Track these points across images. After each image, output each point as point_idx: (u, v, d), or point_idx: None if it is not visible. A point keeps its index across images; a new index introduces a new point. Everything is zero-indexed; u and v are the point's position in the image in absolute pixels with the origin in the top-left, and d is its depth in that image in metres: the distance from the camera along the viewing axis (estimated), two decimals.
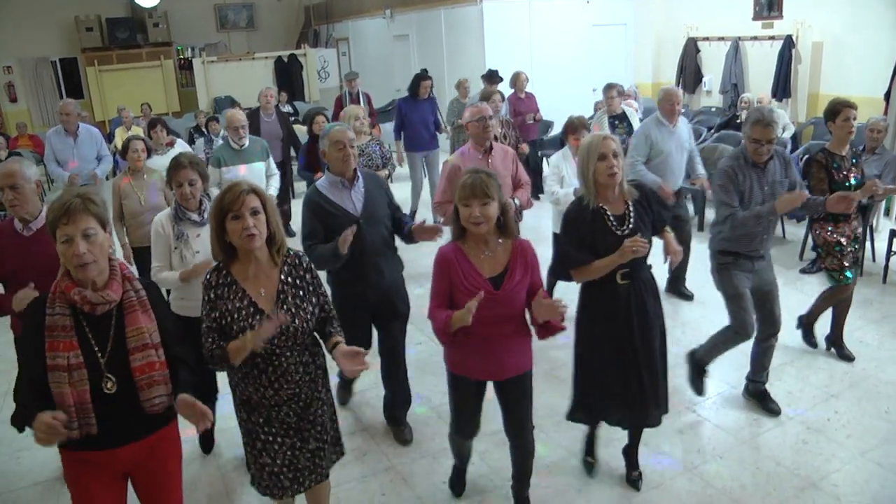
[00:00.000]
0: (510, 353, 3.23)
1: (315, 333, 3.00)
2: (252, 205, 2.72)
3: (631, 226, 3.43)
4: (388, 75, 15.05)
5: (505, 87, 9.23)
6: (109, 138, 13.42)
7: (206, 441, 4.36)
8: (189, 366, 2.68)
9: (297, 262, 2.92)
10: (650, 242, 3.41)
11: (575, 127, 5.45)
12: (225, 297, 2.78)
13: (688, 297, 6.31)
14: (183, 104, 17.26)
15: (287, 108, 13.45)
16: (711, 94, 12.05)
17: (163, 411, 2.55)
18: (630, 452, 3.89)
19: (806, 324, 5.28)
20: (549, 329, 3.13)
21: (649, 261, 3.53)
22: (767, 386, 4.55)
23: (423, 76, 8.75)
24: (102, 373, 2.44)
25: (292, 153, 9.14)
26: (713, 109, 11.59)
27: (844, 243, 4.74)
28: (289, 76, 15.88)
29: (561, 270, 3.58)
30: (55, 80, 18.10)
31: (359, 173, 4.04)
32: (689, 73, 12.23)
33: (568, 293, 3.79)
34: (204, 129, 11.34)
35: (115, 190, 5.55)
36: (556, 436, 4.26)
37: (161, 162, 6.08)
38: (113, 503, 2.67)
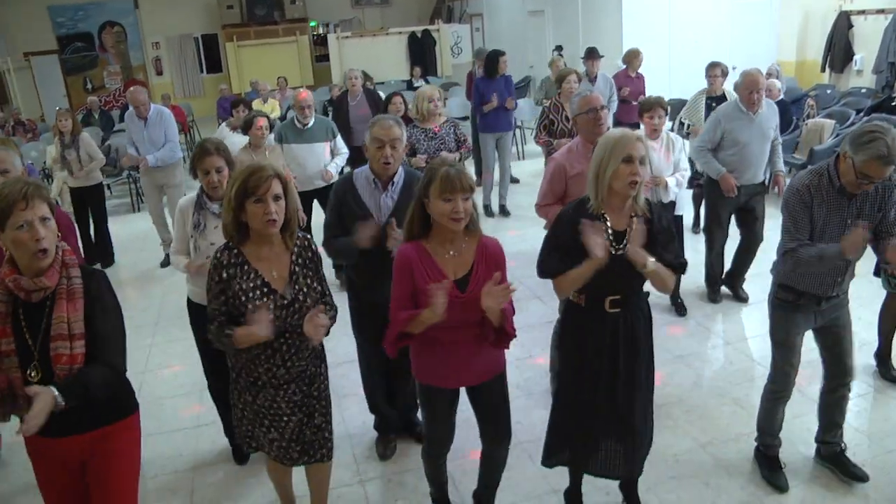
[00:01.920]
0: (480, 356, 2.96)
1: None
2: (276, 191, 2.72)
3: (623, 248, 2.88)
4: (521, 52, 14.93)
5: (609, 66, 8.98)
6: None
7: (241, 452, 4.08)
8: (109, 368, 2.51)
9: (305, 244, 2.94)
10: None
11: (650, 106, 4.99)
12: (237, 276, 2.79)
13: (742, 299, 5.74)
14: (317, 78, 17.78)
15: (420, 83, 13.62)
16: (863, 74, 11.34)
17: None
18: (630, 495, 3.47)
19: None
20: (503, 336, 2.87)
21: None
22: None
23: (500, 52, 8.38)
24: (32, 360, 2.41)
25: None
26: (863, 91, 10.88)
27: None
28: (422, 52, 16.08)
29: (541, 276, 3.07)
30: (197, 55, 19.05)
31: (399, 175, 3.64)
32: (839, 49, 11.52)
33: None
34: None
35: (237, 165, 5.67)
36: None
37: (239, 139, 6.43)
38: (69, 494, 2.66)
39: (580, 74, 7.28)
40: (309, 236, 2.98)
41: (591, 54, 8.87)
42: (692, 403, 4.30)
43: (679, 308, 5.58)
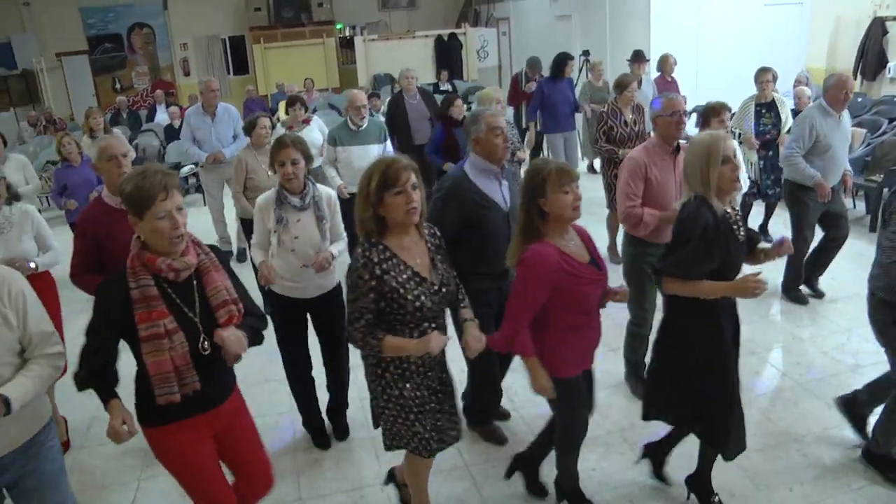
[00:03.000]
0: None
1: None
2: (413, 180, 2.80)
3: (743, 231, 3.12)
4: (548, 56, 14.78)
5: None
6: (272, 111, 14.05)
7: (340, 427, 4.26)
8: (257, 317, 2.82)
9: (432, 230, 3.06)
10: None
11: (717, 110, 5.03)
12: (391, 271, 2.82)
13: (821, 294, 5.80)
14: (343, 81, 17.85)
15: (447, 87, 13.62)
16: None
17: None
18: (707, 477, 3.47)
19: None
20: None
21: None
22: None
23: (568, 56, 8.50)
24: (199, 333, 2.55)
25: None
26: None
27: None
28: (448, 55, 16.12)
29: (672, 274, 3.06)
30: (224, 56, 19.21)
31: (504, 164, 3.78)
32: (872, 56, 11.29)
33: None
34: None
35: (238, 164, 5.72)
36: None
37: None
38: (214, 460, 2.80)
39: (641, 80, 7.29)
40: (430, 224, 3.09)
41: (638, 57, 8.82)
42: None
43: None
